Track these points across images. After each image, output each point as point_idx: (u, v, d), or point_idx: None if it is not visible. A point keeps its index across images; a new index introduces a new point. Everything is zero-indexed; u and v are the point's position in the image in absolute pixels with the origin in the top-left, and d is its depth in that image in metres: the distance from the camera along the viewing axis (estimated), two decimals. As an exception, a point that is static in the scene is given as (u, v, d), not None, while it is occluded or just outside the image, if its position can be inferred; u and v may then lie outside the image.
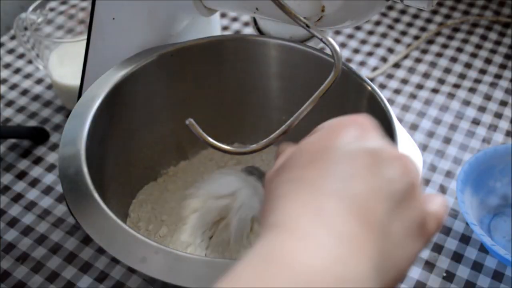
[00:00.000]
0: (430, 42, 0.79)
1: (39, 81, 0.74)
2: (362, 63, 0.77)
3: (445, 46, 0.79)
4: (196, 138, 0.42)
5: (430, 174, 0.64)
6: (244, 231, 0.48)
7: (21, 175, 0.64)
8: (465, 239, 0.58)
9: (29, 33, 0.71)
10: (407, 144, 0.46)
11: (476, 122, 0.69)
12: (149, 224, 0.53)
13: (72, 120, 0.47)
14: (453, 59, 0.77)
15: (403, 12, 0.84)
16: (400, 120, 0.69)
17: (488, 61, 0.77)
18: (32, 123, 0.70)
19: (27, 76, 0.75)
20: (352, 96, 0.52)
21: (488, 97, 0.72)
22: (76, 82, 0.59)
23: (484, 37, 0.80)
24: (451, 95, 0.72)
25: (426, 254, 0.57)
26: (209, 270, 0.38)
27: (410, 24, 0.82)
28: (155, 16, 0.52)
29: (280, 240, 0.26)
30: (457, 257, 0.57)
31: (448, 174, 0.64)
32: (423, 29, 0.81)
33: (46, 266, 0.56)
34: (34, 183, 0.63)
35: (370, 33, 0.81)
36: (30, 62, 0.77)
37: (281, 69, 0.56)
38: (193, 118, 0.42)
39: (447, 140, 0.67)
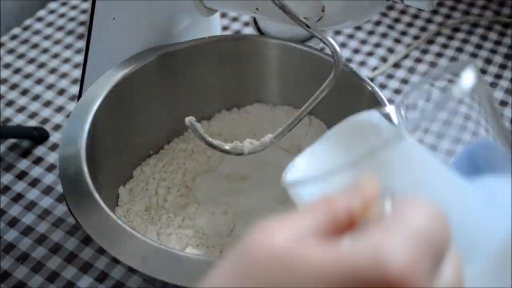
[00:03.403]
0: (430, 42, 0.79)
1: (39, 81, 0.74)
2: (362, 63, 0.77)
3: (445, 46, 0.79)
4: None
5: (430, 174, 0.64)
6: None
7: (21, 175, 0.64)
8: (465, 239, 0.58)
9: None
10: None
11: (476, 122, 0.69)
12: (148, 224, 0.53)
13: (72, 120, 0.47)
14: (453, 59, 0.77)
15: (403, 12, 0.84)
16: (400, 120, 0.69)
17: (488, 61, 0.77)
18: (32, 123, 0.70)
19: (27, 76, 0.75)
20: (352, 96, 0.52)
21: (488, 97, 0.72)
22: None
23: (484, 37, 0.80)
24: (451, 95, 0.72)
25: (426, 254, 0.57)
26: (209, 270, 0.38)
27: (410, 24, 0.82)
28: (155, 16, 0.52)
29: None
30: (457, 257, 0.57)
31: (448, 174, 0.64)
32: (423, 29, 0.81)
33: (46, 266, 0.56)
34: (34, 183, 0.63)
35: (370, 33, 0.81)
36: (30, 62, 0.77)
37: (281, 69, 0.56)
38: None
39: (447, 140, 0.67)
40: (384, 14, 0.83)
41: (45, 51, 0.78)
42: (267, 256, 0.22)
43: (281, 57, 0.55)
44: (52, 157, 0.66)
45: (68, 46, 0.79)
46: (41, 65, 0.76)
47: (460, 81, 0.27)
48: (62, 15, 0.83)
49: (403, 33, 0.81)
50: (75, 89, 0.73)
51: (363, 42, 0.80)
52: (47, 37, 0.80)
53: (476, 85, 0.28)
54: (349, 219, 0.23)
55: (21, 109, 0.71)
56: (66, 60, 0.77)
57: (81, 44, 0.79)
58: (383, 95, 0.49)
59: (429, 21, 0.82)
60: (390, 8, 0.84)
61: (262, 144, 0.43)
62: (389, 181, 0.25)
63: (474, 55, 0.77)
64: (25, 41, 0.79)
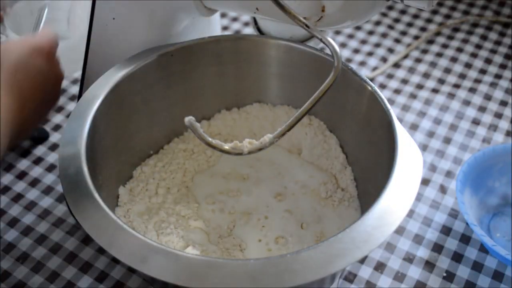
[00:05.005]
0: (430, 42, 0.79)
1: (39, 81, 0.74)
2: (362, 63, 0.77)
3: (445, 46, 0.79)
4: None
5: (430, 174, 0.64)
6: None
7: (21, 175, 0.64)
8: (465, 239, 0.58)
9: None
10: (407, 144, 0.46)
11: (476, 122, 0.69)
12: (148, 224, 0.53)
13: (72, 120, 0.47)
14: (453, 59, 0.77)
15: (403, 12, 0.84)
16: (400, 120, 0.69)
17: (488, 61, 0.77)
18: (32, 123, 0.70)
19: (27, 76, 0.75)
20: (352, 96, 0.52)
21: (488, 97, 0.72)
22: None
23: (484, 37, 0.80)
24: (451, 95, 0.72)
25: (426, 254, 0.57)
26: (209, 270, 0.38)
27: (410, 24, 0.82)
28: (155, 16, 0.52)
29: None
30: (457, 257, 0.57)
31: (448, 174, 0.64)
32: (423, 29, 0.81)
33: (46, 266, 0.56)
34: (34, 183, 0.63)
35: (370, 33, 0.81)
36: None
37: (281, 69, 0.56)
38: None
39: (447, 140, 0.67)
40: (384, 14, 0.83)
41: (45, 51, 0.78)
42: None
43: (281, 57, 0.55)
44: (52, 157, 0.66)
45: (68, 46, 0.79)
46: (41, 65, 0.76)
47: None
48: None
49: (403, 33, 0.81)
50: (75, 89, 0.73)
51: (363, 42, 0.80)
52: (47, 37, 0.80)
53: None
54: None
55: (21, 109, 0.71)
56: (66, 60, 0.77)
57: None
58: (383, 95, 0.49)
59: (429, 21, 0.82)
60: (390, 8, 0.84)
61: (261, 144, 0.43)
62: None
63: (474, 55, 0.77)
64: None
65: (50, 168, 0.65)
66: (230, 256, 0.50)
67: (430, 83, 0.74)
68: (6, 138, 0.43)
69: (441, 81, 0.74)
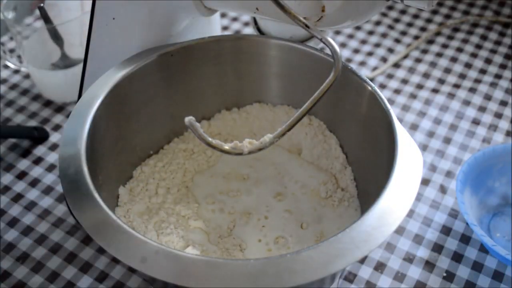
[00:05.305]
0: (430, 42, 0.79)
1: (39, 81, 0.74)
2: (362, 63, 0.77)
3: (445, 46, 0.79)
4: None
5: (430, 174, 0.64)
6: None
7: (21, 175, 0.64)
8: (465, 239, 0.58)
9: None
10: (407, 144, 0.46)
11: (476, 122, 0.69)
12: (148, 224, 0.53)
13: (72, 120, 0.47)
14: (453, 59, 0.77)
15: (403, 12, 0.84)
16: (400, 120, 0.69)
17: (488, 61, 0.77)
18: (32, 123, 0.70)
19: (27, 76, 0.75)
20: (352, 96, 0.52)
21: (488, 97, 0.72)
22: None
23: (484, 37, 0.80)
24: (451, 95, 0.72)
25: (426, 254, 0.57)
26: (209, 270, 0.38)
27: (410, 24, 0.82)
28: (155, 16, 0.52)
29: None
30: (457, 257, 0.57)
31: (448, 174, 0.64)
32: (423, 29, 0.81)
33: (46, 266, 0.56)
34: (34, 183, 0.63)
35: (370, 33, 0.81)
36: (30, 62, 0.77)
37: (281, 69, 0.56)
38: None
39: (447, 140, 0.67)
40: (384, 14, 0.83)
41: (45, 51, 0.78)
42: None
43: (281, 57, 0.55)
44: (52, 157, 0.66)
45: (68, 46, 0.79)
46: (41, 65, 0.76)
47: None
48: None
49: (403, 33, 0.81)
50: (75, 89, 0.73)
51: (363, 42, 0.80)
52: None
53: None
54: None
55: (21, 109, 0.71)
56: (66, 60, 0.77)
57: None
58: (383, 95, 0.49)
59: (429, 21, 0.82)
60: (390, 8, 0.84)
61: (261, 144, 0.43)
62: None
63: (474, 55, 0.77)
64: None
65: (50, 168, 0.65)
66: (230, 256, 0.50)
67: (430, 83, 0.74)
68: None
69: (441, 81, 0.74)
